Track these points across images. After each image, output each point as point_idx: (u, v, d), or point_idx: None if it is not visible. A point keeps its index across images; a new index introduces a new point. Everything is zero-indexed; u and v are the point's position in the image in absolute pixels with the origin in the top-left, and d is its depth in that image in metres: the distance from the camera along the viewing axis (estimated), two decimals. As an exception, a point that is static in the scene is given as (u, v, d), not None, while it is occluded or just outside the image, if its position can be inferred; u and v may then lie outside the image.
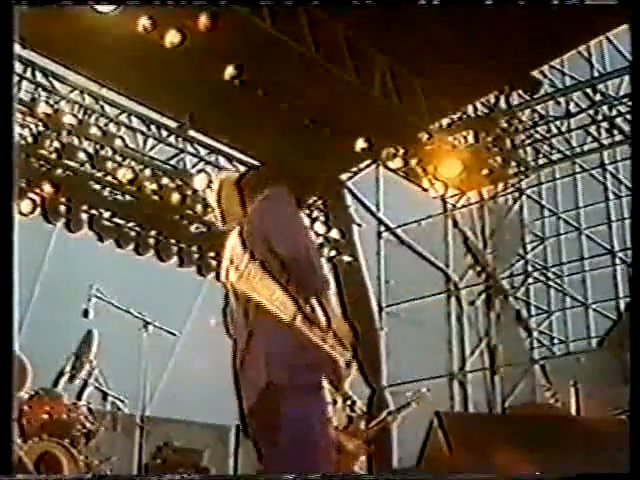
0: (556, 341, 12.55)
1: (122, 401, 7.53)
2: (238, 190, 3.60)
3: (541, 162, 11.62)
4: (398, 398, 11.08)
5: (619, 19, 7.42)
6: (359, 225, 11.98)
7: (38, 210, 9.29)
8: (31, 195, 9.19)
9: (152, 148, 10.33)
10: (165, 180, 10.17)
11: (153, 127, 10.28)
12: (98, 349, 7.41)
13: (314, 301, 3.27)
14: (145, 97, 9.82)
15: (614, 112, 10.37)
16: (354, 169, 11.97)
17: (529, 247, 12.79)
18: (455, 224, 12.50)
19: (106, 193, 9.97)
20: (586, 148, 11.25)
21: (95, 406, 7.25)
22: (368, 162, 11.73)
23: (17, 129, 8.60)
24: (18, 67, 8.69)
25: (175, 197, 10.11)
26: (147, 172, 10.10)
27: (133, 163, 9.94)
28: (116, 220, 10.12)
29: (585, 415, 7.49)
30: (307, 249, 3.32)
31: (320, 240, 11.25)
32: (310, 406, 3.27)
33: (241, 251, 3.39)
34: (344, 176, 11.98)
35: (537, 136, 11.15)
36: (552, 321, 12.64)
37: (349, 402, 6.47)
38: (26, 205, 9.11)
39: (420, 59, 8.93)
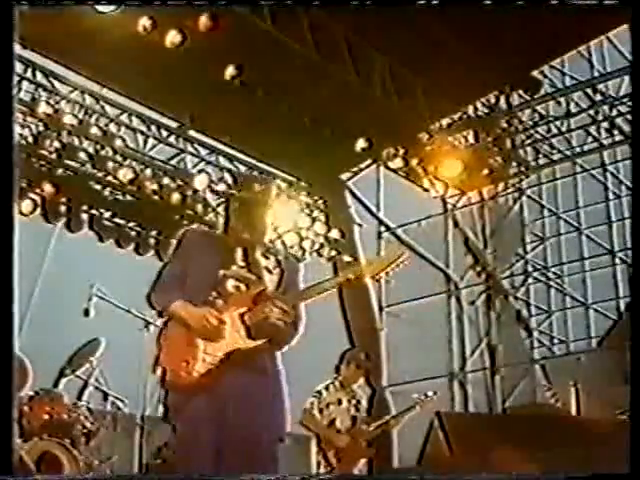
0: (556, 341, 12.55)
1: (122, 401, 7.52)
2: None
3: (541, 162, 11.63)
4: (398, 398, 11.11)
5: (619, 19, 7.42)
6: (359, 225, 11.98)
7: (38, 210, 9.29)
8: (31, 195, 9.19)
9: (152, 148, 10.32)
10: (166, 180, 10.16)
11: (153, 127, 10.28)
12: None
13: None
14: (145, 97, 9.82)
15: (614, 112, 10.38)
16: (354, 169, 11.97)
17: (529, 247, 12.80)
18: (455, 224, 12.51)
19: (106, 193, 9.96)
20: (586, 148, 11.26)
21: (95, 406, 7.25)
22: (368, 162, 11.73)
23: (17, 129, 8.59)
24: (18, 67, 8.69)
25: (176, 197, 10.10)
26: (148, 172, 10.10)
27: (134, 163, 9.93)
28: (116, 220, 10.12)
29: (585, 415, 7.48)
30: (163, 274, 3.81)
31: (320, 240, 11.26)
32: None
33: None
34: (344, 176, 11.98)
35: (537, 136, 11.16)
36: (552, 321, 12.64)
37: (354, 402, 6.48)
38: (26, 205, 9.10)
39: (420, 59, 8.93)
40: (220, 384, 3.54)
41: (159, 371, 3.65)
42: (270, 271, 3.81)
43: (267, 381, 3.67)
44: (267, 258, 3.85)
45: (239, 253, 3.81)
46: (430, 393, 6.69)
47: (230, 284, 3.70)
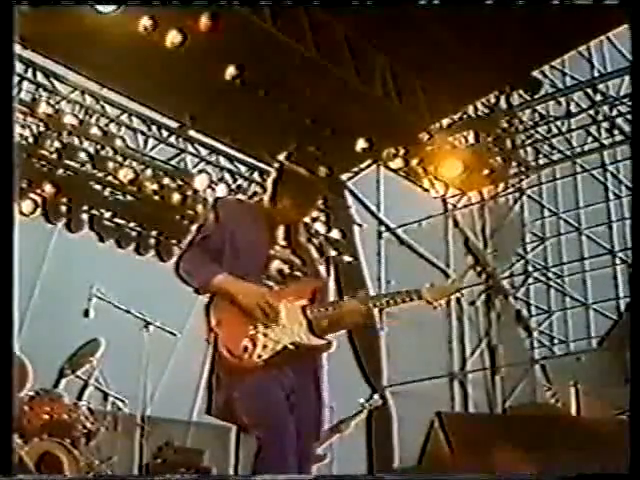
0: (556, 341, 12.54)
1: (123, 401, 7.52)
2: None
3: (541, 162, 11.63)
4: (398, 398, 11.11)
5: (619, 19, 7.42)
6: (360, 225, 11.98)
7: (39, 210, 9.30)
8: (32, 195, 9.19)
9: (153, 148, 10.33)
10: (166, 180, 10.16)
11: (154, 127, 10.29)
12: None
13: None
14: (146, 97, 9.83)
15: (614, 112, 10.38)
16: (355, 169, 11.97)
17: (529, 247, 12.79)
18: (455, 224, 12.50)
19: (107, 193, 9.97)
20: (586, 148, 11.26)
21: (96, 406, 7.25)
22: (369, 162, 11.73)
23: (18, 129, 8.60)
24: (18, 67, 8.69)
25: (176, 197, 10.11)
26: (148, 172, 10.10)
27: (134, 163, 9.94)
28: (117, 220, 10.12)
29: (585, 415, 7.49)
30: (196, 244, 3.45)
31: (321, 240, 11.26)
32: None
33: None
34: (344, 176, 11.98)
35: (537, 136, 11.16)
36: (552, 321, 12.63)
37: None
38: (27, 205, 9.11)
39: (420, 59, 8.94)
40: (284, 374, 3.25)
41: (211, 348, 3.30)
42: (318, 261, 3.54)
43: (315, 380, 3.41)
44: (311, 243, 3.58)
45: (281, 231, 3.48)
46: (376, 397, 6.69)
47: (274, 265, 3.39)
